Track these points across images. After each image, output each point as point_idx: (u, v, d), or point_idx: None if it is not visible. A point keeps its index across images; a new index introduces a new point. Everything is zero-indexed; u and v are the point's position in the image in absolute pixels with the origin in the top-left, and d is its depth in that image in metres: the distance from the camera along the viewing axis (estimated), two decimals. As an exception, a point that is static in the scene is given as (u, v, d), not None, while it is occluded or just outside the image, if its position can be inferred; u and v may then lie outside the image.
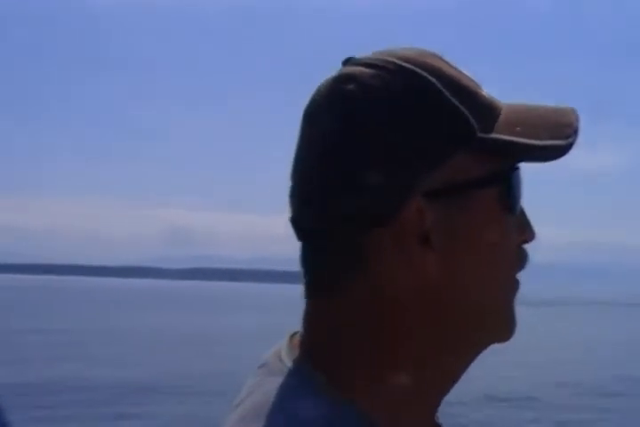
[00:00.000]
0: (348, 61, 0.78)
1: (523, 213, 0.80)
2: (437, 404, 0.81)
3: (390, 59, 0.76)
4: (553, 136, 0.76)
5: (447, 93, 0.75)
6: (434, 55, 0.78)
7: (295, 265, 0.78)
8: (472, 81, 0.79)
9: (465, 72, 0.79)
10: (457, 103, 0.75)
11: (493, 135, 0.75)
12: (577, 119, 0.78)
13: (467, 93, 0.76)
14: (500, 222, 0.77)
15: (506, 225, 0.78)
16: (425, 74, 0.75)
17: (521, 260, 0.80)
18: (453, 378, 0.79)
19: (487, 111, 0.77)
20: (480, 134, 0.75)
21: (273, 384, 0.75)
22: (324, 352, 0.77)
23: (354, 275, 0.75)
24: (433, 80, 0.75)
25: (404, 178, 0.73)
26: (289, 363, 0.77)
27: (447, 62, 0.78)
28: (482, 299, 0.77)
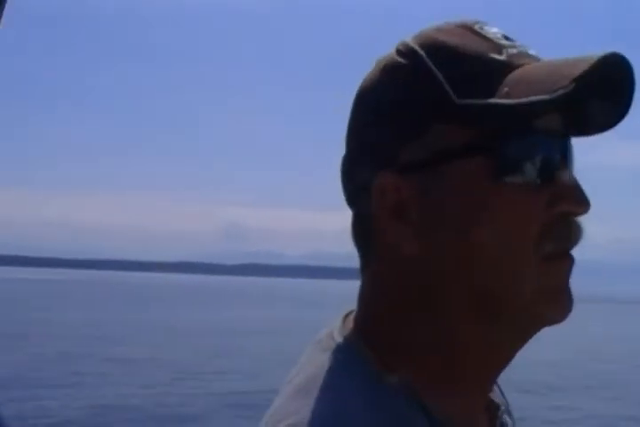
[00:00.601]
0: None
1: (563, 183, 0.73)
2: (487, 382, 0.80)
3: (406, 39, 0.77)
4: (539, 92, 0.69)
5: (429, 63, 0.73)
6: (456, 25, 0.76)
7: (347, 261, 0.79)
8: (487, 44, 0.74)
9: (490, 35, 0.75)
10: (434, 70, 0.72)
11: (468, 100, 0.71)
12: (592, 67, 0.69)
13: (456, 59, 0.72)
14: (494, 194, 0.71)
15: (505, 198, 0.71)
16: (416, 47, 0.74)
17: (552, 232, 0.72)
18: (496, 358, 0.77)
19: (484, 75, 0.72)
20: (457, 101, 0.71)
21: (323, 360, 0.76)
22: (370, 329, 0.78)
23: (368, 250, 0.78)
24: (420, 52, 0.74)
25: (381, 156, 0.74)
26: (340, 340, 0.78)
27: (468, 28, 0.75)
28: (476, 275, 0.72)
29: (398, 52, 0.76)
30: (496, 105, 0.70)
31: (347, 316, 0.82)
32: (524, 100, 0.69)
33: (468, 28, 0.75)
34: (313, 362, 0.77)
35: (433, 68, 0.72)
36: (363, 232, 0.77)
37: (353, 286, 0.84)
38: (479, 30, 0.75)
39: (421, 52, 0.74)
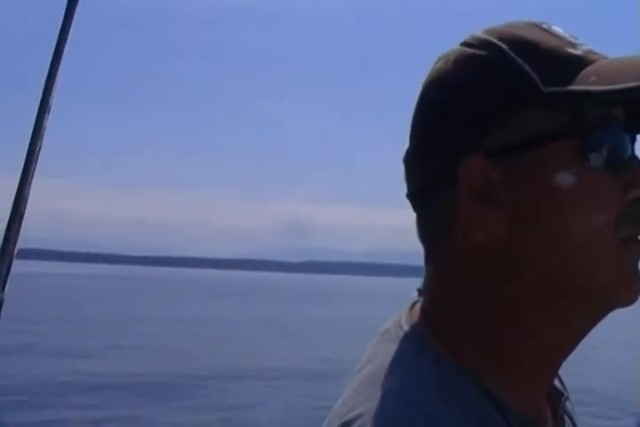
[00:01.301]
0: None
1: (636, 170, 0.76)
2: (553, 368, 0.81)
3: (476, 33, 0.80)
4: (629, 79, 0.72)
5: (512, 54, 0.76)
6: (526, 23, 0.80)
7: (410, 259, 0.78)
8: (560, 41, 0.78)
9: (560, 33, 0.79)
10: (519, 61, 0.75)
11: (558, 88, 0.74)
12: None
13: (537, 52, 0.76)
14: (577, 179, 0.74)
15: (591, 183, 0.74)
16: (494, 40, 0.78)
17: (627, 217, 0.75)
18: (564, 343, 0.78)
19: (565, 67, 0.75)
20: (545, 89, 0.74)
21: (391, 350, 0.77)
22: (435, 317, 0.79)
23: (440, 238, 0.78)
24: (500, 44, 0.77)
25: (467, 141, 0.76)
26: (407, 328, 0.79)
27: (538, 27, 0.79)
28: (557, 257, 0.74)
29: (470, 45, 0.79)
30: (586, 92, 0.73)
31: (413, 305, 0.84)
32: (618, 86, 0.71)
33: (538, 26, 0.79)
34: (381, 352, 0.79)
35: (515, 57, 0.75)
36: (436, 222, 0.78)
37: (413, 284, 0.86)
38: (548, 29, 0.79)
39: (500, 44, 0.77)
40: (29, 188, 1.28)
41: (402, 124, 0.84)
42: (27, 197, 1.28)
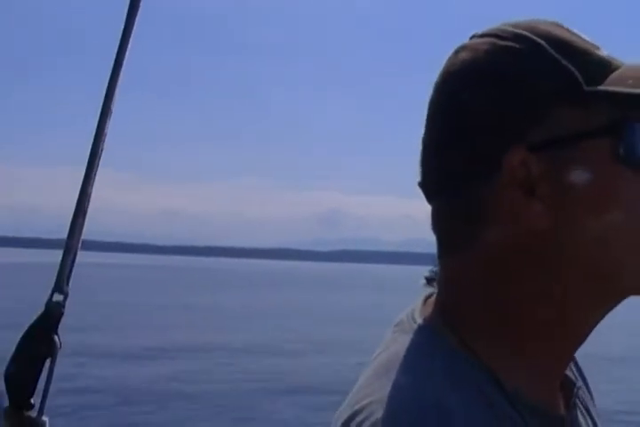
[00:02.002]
0: (472, 36, 0.83)
1: None
2: (567, 358, 0.82)
3: (505, 26, 0.80)
4: None
5: (551, 50, 0.76)
6: (550, 22, 0.80)
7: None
8: (587, 43, 0.79)
9: (583, 36, 0.80)
10: (560, 58, 0.76)
11: (599, 87, 0.75)
12: None
13: (574, 51, 0.77)
14: (617, 176, 0.75)
15: (629, 181, 0.75)
16: (530, 35, 0.77)
17: None
18: (579, 333, 0.80)
19: (598, 67, 0.77)
20: (586, 88, 0.75)
21: (404, 342, 0.78)
22: (451, 310, 0.79)
23: (469, 231, 0.78)
24: (538, 40, 0.77)
25: (509, 132, 0.75)
26: (420, 321, 0.80)
27: (563, 27, 0.80)
28: (595, 253, 0.76)
29: (500, 37, 0.78)
30: (628, 94, 0.75)
31: (427, 298, 0.85)
32: None
33: (562, 26, 0.80)
34: (394, 343, 0.80)
35: (555, 54, 0.76)
36: (467, 213, 0.78)
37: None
38: (569, 29, 0.80)
39: (538, 39, 0.77)
40: (92, 184, 1.28)
41: None
42: (90, 193, 1.28)
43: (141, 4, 1.27)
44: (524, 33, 0.78)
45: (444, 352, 0.76)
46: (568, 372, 0.87)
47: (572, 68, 0.76)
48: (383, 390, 0.73)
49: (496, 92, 0.76)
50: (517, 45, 0.77)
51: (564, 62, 0.76)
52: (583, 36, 0.80)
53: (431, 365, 0.75)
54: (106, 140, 1.27)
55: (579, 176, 0.75)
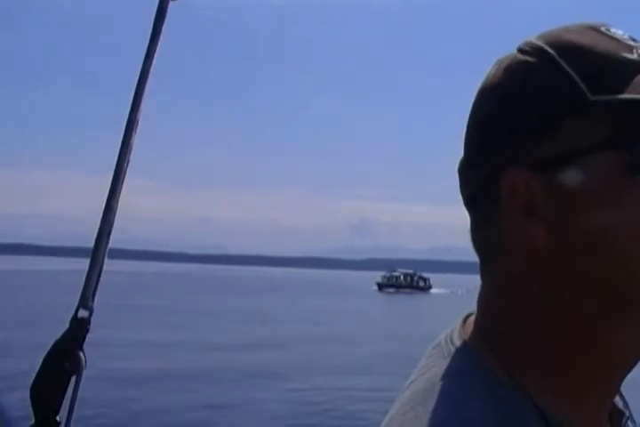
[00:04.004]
0: None
1: None
2: (614, 386, 0.78)
3: (530, 39, 0.78)
4: None
5: (560, 60, 0.73)
6: (584, 27, 0.77)
7: (474, 256, 0.80)
8: (617, 45, 0.74)
9: (619, 36, 0.76)
10: (566, 67, 0.72)
11: (607, 96, 0.71)
12: None
13: (589, 59, 0.73)
14: (625, 192, 0.71)
15: (636, 194, 0.71)
16: (547, 47, 0.75)
17: None
18: (620, 357, 0.75)
19: (617, 73, 0.72)
20: (592, 97, 0.71)
21: (442, 366, 0.76)
22: (490, 332, 0.77)
23: (491, 251, 0.76)
24: (549, 50, 0.74)
25: (511, 149, 0.73)
26: (458, 344, 0.77)
27: (597, 30, 0.76)
28: (606, 271, 0.72)
29: (523, 51, 0.77)
30: (633, 101, 0.70)
31: (467, 318, 0.82)
32: None
33: (595, 29, 0.76)
34: (431, 368, 0.77)
35: (564, 65, 0.73)
36: (485, 234, 0.77)
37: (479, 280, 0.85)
38: (606, 31, 0.76)
39: (550, 51, 0.74)
40: (117, 201, 1.26)
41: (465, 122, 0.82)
42: (115, 211, 1.26)
43: (169, 8, 1.26)
44: (540, 44, 0.75)
45: (483, 379, 0.73)
46: (615, 400, 0.82)
47: (577, 78, 0.72)
48: (418, 421, 0.70)
49: (501, 111, 0.75)
50: (531, 59, 0.75)
51: (571, 72, 0.72)
52: (618, 36, 0.75)
53: (470, 394, 0.72)
54: (134, 148, 1.25)
55: (584, 194, 0.71)
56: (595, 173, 0.71)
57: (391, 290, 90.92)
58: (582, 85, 0.71)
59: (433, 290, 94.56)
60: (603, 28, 0.77)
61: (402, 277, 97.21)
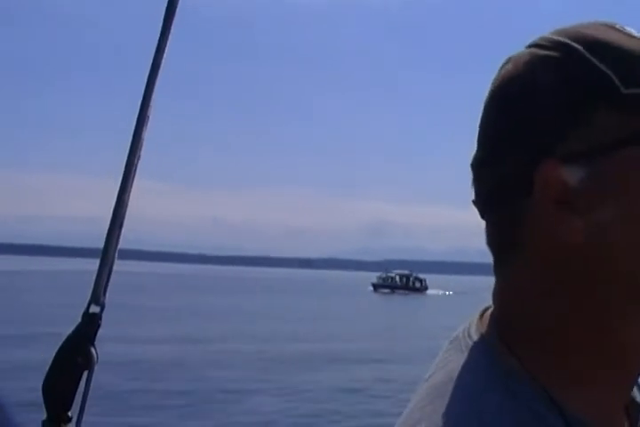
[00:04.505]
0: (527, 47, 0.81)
1: None
2: (632, 380, 0.79)
3: (546, 34, 0.78)
4: None
5: (589, 55, 0.74)
6: (601, 24, 0.78)
7: (488, 257, 0.81)
8: (635, 41, 0.75)
9: (632, 34, 0.77)
10: (597, 62, 0.73)
11: (634, 90, 0.72)
12: None
13: (616, 53, 0.74)
14: None
15: None
16: (569, 41, 0.75)
17: None
18: (631, 358, 0.76)
19: None
20: (624, 90, 0.72)
21: (459, 360, 0.76)
22: (507, 327, 0.77)
23: (515, 246, 0.76)
24: (575, 46, 0.75)
25: (542, 144, 0.73)
26: (476, 337, 0.78)
27: (614, 28, 0.77)
28: (635, 267, 0.72)
29: (542, 46, 0.77)
30: None
31: (484, 312, 0.82)
32: None
33: (611, 27, 0.77)
34: (449, 362, 0.77)
35: (593, 59, 0.73)
36: (505, 230, 0.76)
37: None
38: (622, 29, 0.77)
39: (576, 45, 0.75)
40: (129, 195, 1.27)
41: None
42: (126, 204, 1.27)
43: (179, 7, 1.26)
44: (564, 40, 0.75)
45: (500, 373, 0.73)
46: (633, 394, 0.82)
47: (609, 72, 0.72)
48: (436, 415, 0.71)
49: (528, 105, 0.74)
50: (554, 54, 0.75)
51: (602, 66, 0.73)
52: (635, 33, 0.76)
53: (487, 387, 0.72)
54: (144, 144, 1.26)
55: (617, 188, 0.72)
56: (628, 165, 0.71)
57: (386, 291, 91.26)
58: (615, 79, 0.72)
59: (429, 291, 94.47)
60: (617, 26, 0.77)
61: (397, 277, 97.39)
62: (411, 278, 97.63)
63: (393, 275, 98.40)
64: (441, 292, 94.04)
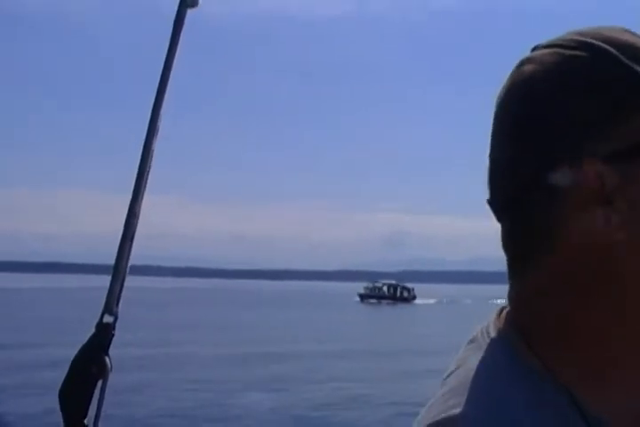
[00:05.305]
0: (535, 48, 0.81)
1: None
2: None
3: (570, 35, 0.78)
4: None
5: (620, 56, 0.74)
6: (616, 28, 0.79)
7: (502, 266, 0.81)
8: None
9: None
10: (629, 63, 0.74)
11: None
12: None
13: None
14: None
15: None
16: (596, 42, 0.76)
17: None
18: None
19: None
20: None
21: (478, 358, 0.77)
22: (526, 326, 0.77)
23: (542, 247, 0.76)
24: (604, 46, 0.75)
25: (581, 143, 0.73)
26: (494, 335, 0.78)
27: (630, 32, 0.78)
28: None
29: (565, 47, 0.77)
30: None
31: (501, 311, 0.82)
32: None
33: (629, 31, 0.78)
34: (468, 360, 0.78)
35: (624, 59, 0.74)
36: (537, 231, 0.76)
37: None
38: (634, 33, 0.78)
39: (605, 46, 0.75)
40: (140, 206, 1.29)
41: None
42: (137, 216, 1.29)
43: (194, 20, 1.28)
44: (590, 40, 0.76)
45: (519, 370, 0.74)
46: None
47: None
48: (458, 408, 0.71)
49: (565, 103, 0.74)
50: (584, 53, 0.75)
51: (634, 67, 0.73)
52: None
53: (506, 384, 0.73)
54: (154, 156, 1.28)
55: None
56: None
57: (373, 301, 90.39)
58: None
59: (417, 300, 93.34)
60: (629, 30, 0.78)
61: (385, 287, 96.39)
62: (398, 288, 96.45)
63: (380, 285, 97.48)
64: (429, 301, 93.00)
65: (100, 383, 1.26)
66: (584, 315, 0.75)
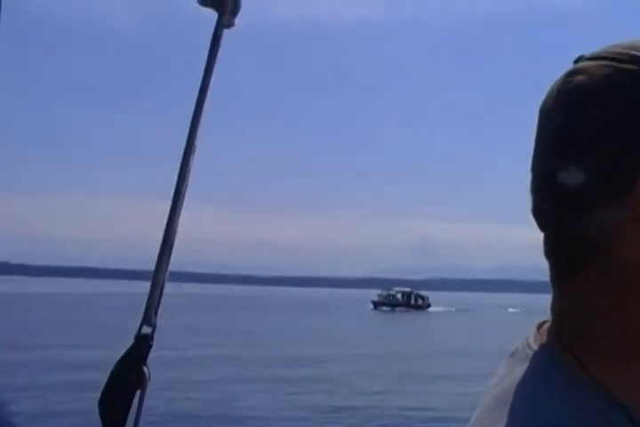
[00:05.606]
0: (579, 59, 0.81)
1: None
2: None
3: (617, 49, 0.79)
4: None
5: None
6: None
7: (537, 274, 0.80)
8: None
9: None
10: None
11: None
12: None
13: None
14: None
15: None
16: None
17: None
18: None
19: None
20: None
21: (520, 370, 0.77)
22: (569, 335, 0.78)
23: (590, 259, 0.76)
24: None
25: (634, 152, 0.74)
26: (536, 348, 0.79)
27: None
28: None
29: (618, 60, 0.78)
30: None
31: (541, 326, 0.83)
32: None
33: None
34: (510, 373, 0.78)
35: None
36: (578, 246, 0.77)
37: (545, 299, 0.85)
38: None
39: None
40: (178, 216, 1.31)
41: (530, 141, 0.83)
42: (176, 226, 1.31)
43: (224, 35, 1.29)
44: (638, 54, 0.77)
45: (563, 381, 0.75)
46: None
47: None
48: (503, 420, 0.72)
49: (622, 113, 0.75)
50: (637, 68, 0.76)
51: None
52: None
53: (549, 391, 0.74)
54: (192, 171, 1.30)
55: None
56: None
57: (386, 308, 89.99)
58: None
59: (431, 308, 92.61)
60: None
61: (399, 295, 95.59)
62: (412, 296, 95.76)
63: (394, 292, 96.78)
64: (443, 309, 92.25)
65: (138, 393, 1.27)
66: (628, 329, 0.76)
